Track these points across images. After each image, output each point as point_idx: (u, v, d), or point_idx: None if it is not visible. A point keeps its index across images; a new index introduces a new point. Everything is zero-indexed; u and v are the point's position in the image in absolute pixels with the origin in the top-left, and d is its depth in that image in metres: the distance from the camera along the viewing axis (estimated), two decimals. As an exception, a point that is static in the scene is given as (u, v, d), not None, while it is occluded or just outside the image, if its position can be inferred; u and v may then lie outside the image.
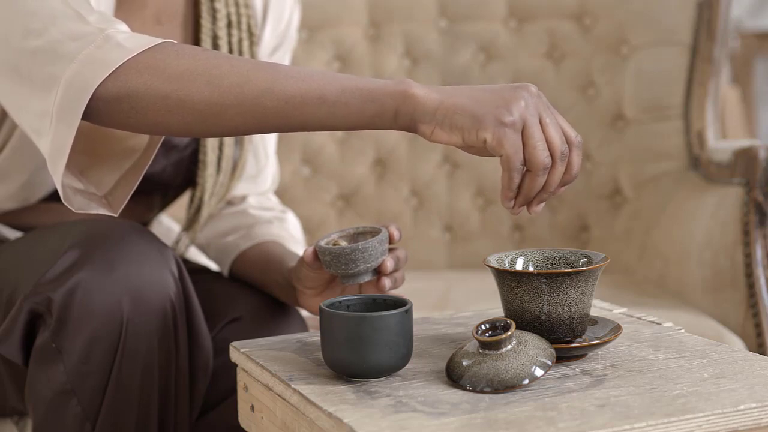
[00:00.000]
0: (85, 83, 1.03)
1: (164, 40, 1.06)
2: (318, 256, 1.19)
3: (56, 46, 1.06)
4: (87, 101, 1.03)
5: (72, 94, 1.04)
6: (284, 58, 1.52)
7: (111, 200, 1.15)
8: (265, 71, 1.04)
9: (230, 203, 1.52)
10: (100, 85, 1.03)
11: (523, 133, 1.00)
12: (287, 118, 1.04)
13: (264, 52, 1.46)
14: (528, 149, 1.01)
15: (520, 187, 1.03)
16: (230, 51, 1.39)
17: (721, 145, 2.07)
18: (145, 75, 1.04)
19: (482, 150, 1.02)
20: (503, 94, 1.01)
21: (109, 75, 1.03)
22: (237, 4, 1.40)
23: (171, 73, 1.04)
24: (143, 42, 1.05)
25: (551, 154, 1.01)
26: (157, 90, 1.04)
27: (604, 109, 2.21)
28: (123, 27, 1.08)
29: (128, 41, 1.05)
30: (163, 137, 1.15)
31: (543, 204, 1.05)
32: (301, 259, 1.23)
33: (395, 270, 1.18)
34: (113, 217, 1.37)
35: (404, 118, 1.02)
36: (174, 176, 1.41)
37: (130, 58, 1.04)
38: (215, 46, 1.38)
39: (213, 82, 1.03)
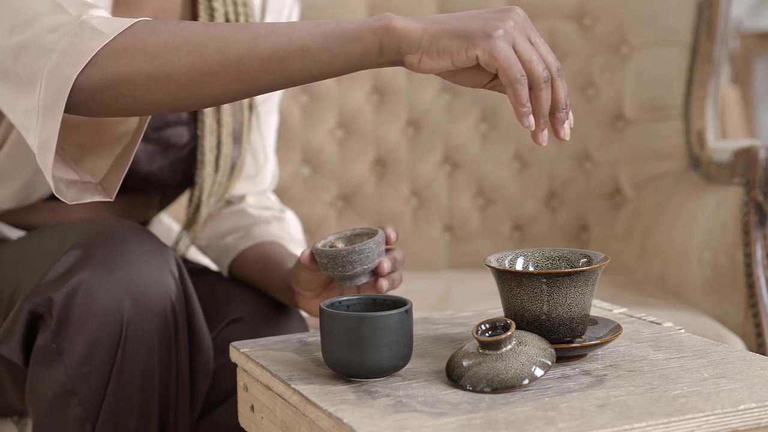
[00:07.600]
0: (64, 75, 1.02)
1: (139, 19, 1.05)
2: (315, 258, 1.19)
3: (37, 41, 1.05)
4: (68, 93, 1.02)
5: (54, 87, 1.03)
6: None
7: (105, 186, 1.15)
8: (244, 32, 1.03)
9: (229, 203, 1.52)
10: (80, 75, 1.02)
11: (515, 50, 0.99)
12: (273, 74, 1.03)
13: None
14: (525, 65, 0.99)
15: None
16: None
17: (721, 145, 2.07)
18: (125, 58, 1.02)
19: (474, 76, 1.01)
20: (489, 15, 1.00)
21: (87, 64, 1.02)
22: (235, 3, 1.39)
23: (151, 51, 1.02)
24: (119, 25, 1.04)
25: (548, 69, 1.01)
26: (141, 70, 1.02)
27: (604, 109, 2.21)
28: (99, 12, 1.06)
29: (104, 26, 1.03)
30: (150, 117, 1.14)
31: (569, 124, 1.03)
32: (299, 262, 1.23)
33: (392, 271, 1.18)
34: (113, 216, 1.37)
35: (389, 52, 1.01)
36: (172, 176, 1.41)
37: (107, 44, 1.02)
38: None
39: (194, 52, 1.02)
